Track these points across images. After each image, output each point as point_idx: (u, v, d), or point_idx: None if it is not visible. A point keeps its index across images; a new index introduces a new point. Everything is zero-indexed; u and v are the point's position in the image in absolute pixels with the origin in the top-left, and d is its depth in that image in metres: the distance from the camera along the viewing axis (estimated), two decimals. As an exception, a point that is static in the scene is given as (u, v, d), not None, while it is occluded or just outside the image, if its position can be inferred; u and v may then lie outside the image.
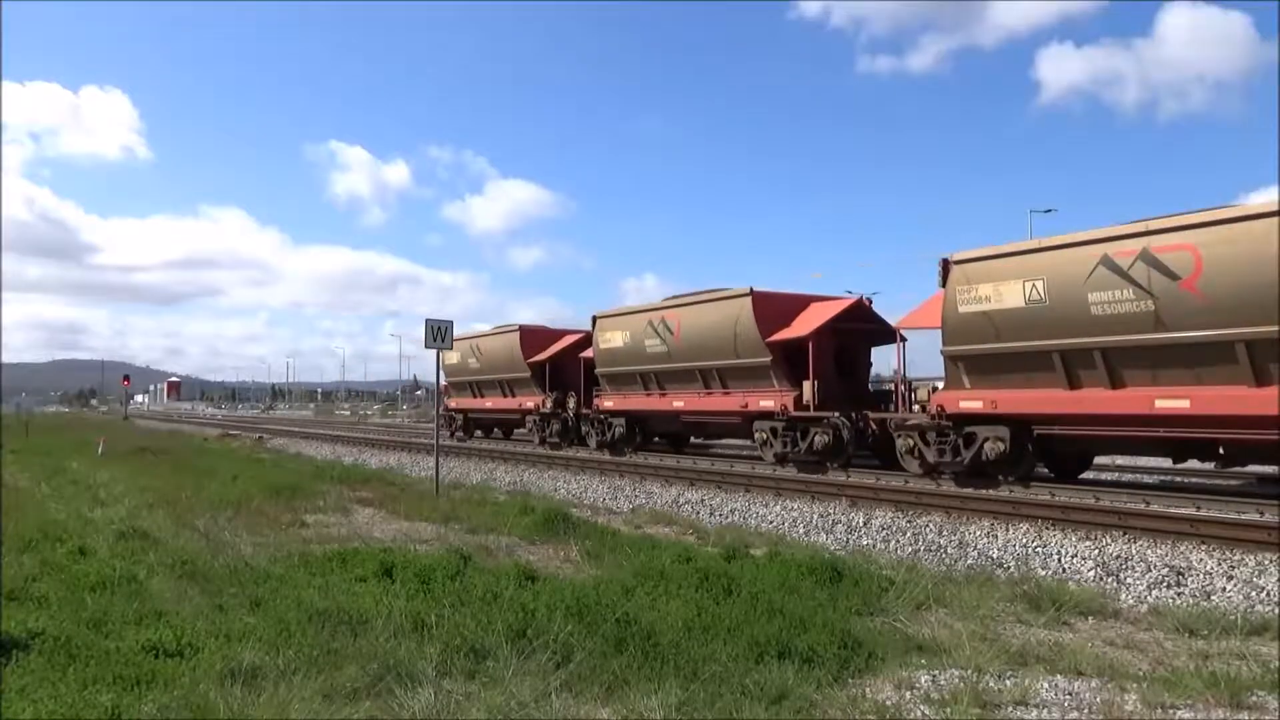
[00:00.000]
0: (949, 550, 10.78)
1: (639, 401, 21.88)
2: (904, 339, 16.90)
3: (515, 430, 30.43)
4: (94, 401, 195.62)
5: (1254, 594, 8.17)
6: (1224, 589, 8.38)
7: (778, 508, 13.72)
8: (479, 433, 32.12)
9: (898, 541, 11.40)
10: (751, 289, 18.23)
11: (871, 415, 16.77)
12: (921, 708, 4.97)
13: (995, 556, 10.23)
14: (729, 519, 13.66)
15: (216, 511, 12.20)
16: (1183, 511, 10.62)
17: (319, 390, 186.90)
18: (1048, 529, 10.71)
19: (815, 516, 12.92)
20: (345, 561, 8.44)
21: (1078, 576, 9.20)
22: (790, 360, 17.72)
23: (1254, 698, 5.12)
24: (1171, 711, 4.94)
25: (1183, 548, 9.42)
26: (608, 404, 22.82)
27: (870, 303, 18.53)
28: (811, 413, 16.91)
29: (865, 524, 12.22)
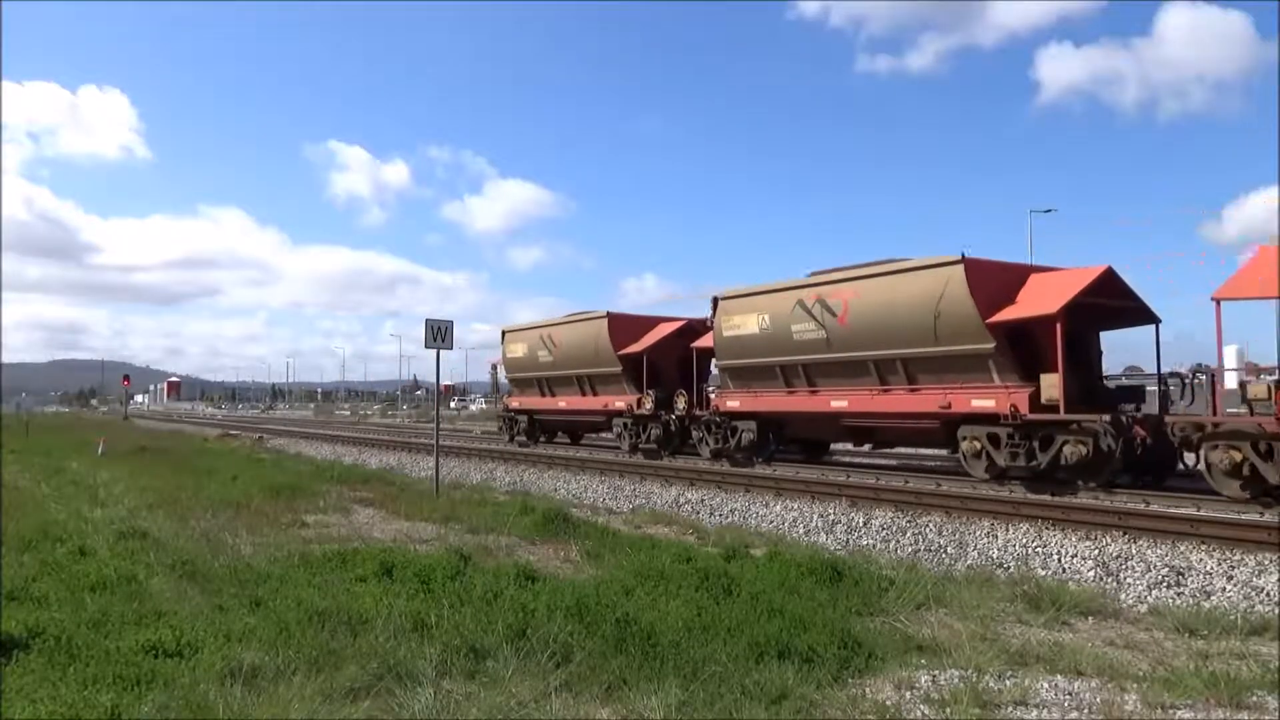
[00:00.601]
0: (949, 550, 10.78)
1: (777, 401, 18.12)
2: (1159, 320, 14.58)
3: (588, 434, 27.37)
4: (94, 401, 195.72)
5: (1254, 594, 8.17)
6: (1224, 589, 8.38)
7: (778, 508, 13.72)
8: (544, 437, 27.80)
9: (898, 541, 11.40)
10: (963, 255, 14.22)
11: (1135, 418, 13.05)
12: (921, 708, 4.97)
13: (995, 556, 10.23)
14: (729, 519, 13.66)
15: (217, 511, 12.20)
16: (1183, 511, 10.63)
17: (319, 390, 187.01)
18: (1048, 529, 10.71)
19: (815, 516, 12.93)
20: (345, 561, 8.44)
21: (1078, 576, 9.21)
22: (1018, 347, 13.97)
23: (1254, 698, 5.13)
24: (1171, 711, 4.94)
25: (1183, 548, 9.42)
26: (731, 404, 19.09)
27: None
28: (1060, 415, 12.95)
29: (865, 524, 12.22)
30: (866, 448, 18.72)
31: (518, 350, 27.22)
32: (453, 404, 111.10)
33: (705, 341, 20.58)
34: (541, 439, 27.66)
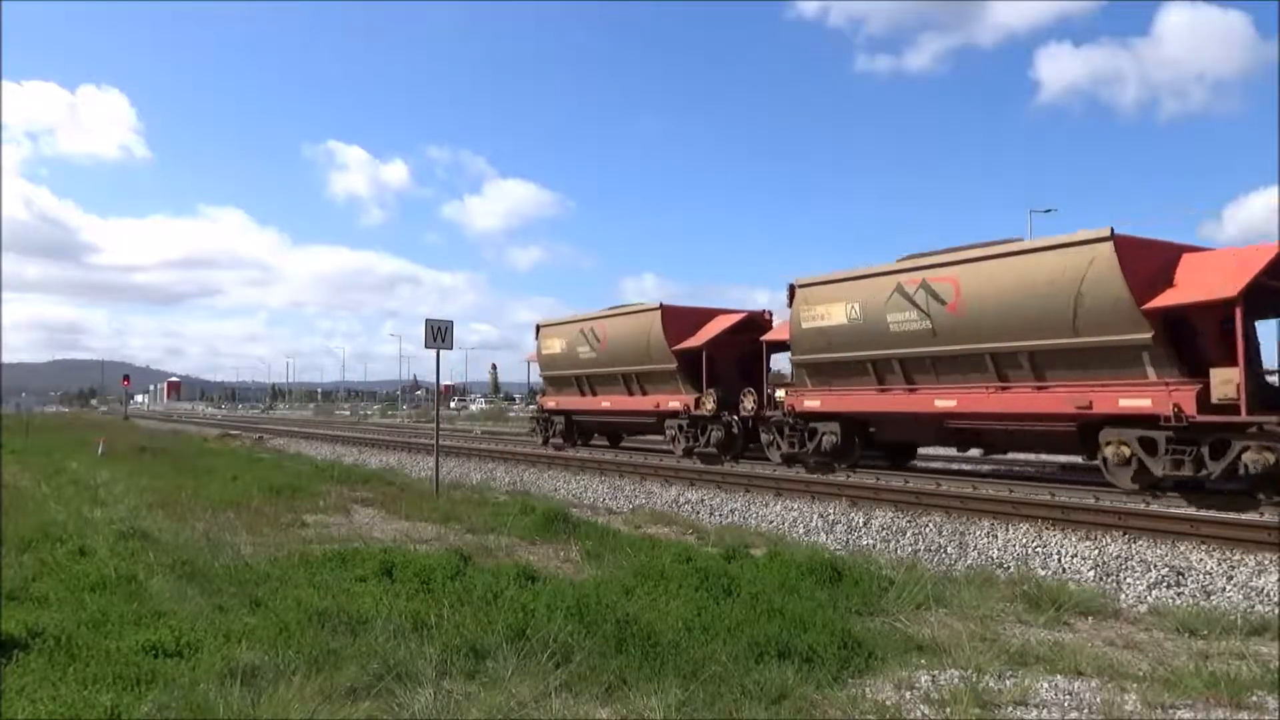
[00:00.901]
0: (949, 550, 10.78)
1: (866, 400, 16.13)
2: None
3: (632, 437, 25.47)
4: (94, 401, 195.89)
5: (1254, 594, 8.17)
6: (1224, 589, 8.39)
7: (778, 507, 13.73)
8: (580, 440, 25.50)
9: (898, 541, 11.40)
10: (1112, 231, 12.13)
11: None
12: (921, 708, 4.97)
13: (995, 556, 10.24)
14: (729, 519, 13.67)
15: (217, 511, 12.20)
16: (1182, 511, 10.63)
17: (319, 390, 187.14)
18: (1048, 529, 10.71)
19: (815, 516, 12.93)
20: (345, 561, 8.44)
21: (1078, 576, 9.21)
22: (1179, 338, 11.99)
23: (1254, 698, 5.13)
24: (1171, 711, 4.94)
25: (1182, 548, 9.42)
26: (810, 403, 17.06)
27: None
28: (1240, 417, 10.88)
29: (865, 524, 12.23)
30: (976, 453, 16.87)
31: (555, 346, 24.81)
32: (453, 404, 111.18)
33: (778, 334, 18.63)
34: (578, 441, 25.46)
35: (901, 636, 6.26)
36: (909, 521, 11.97)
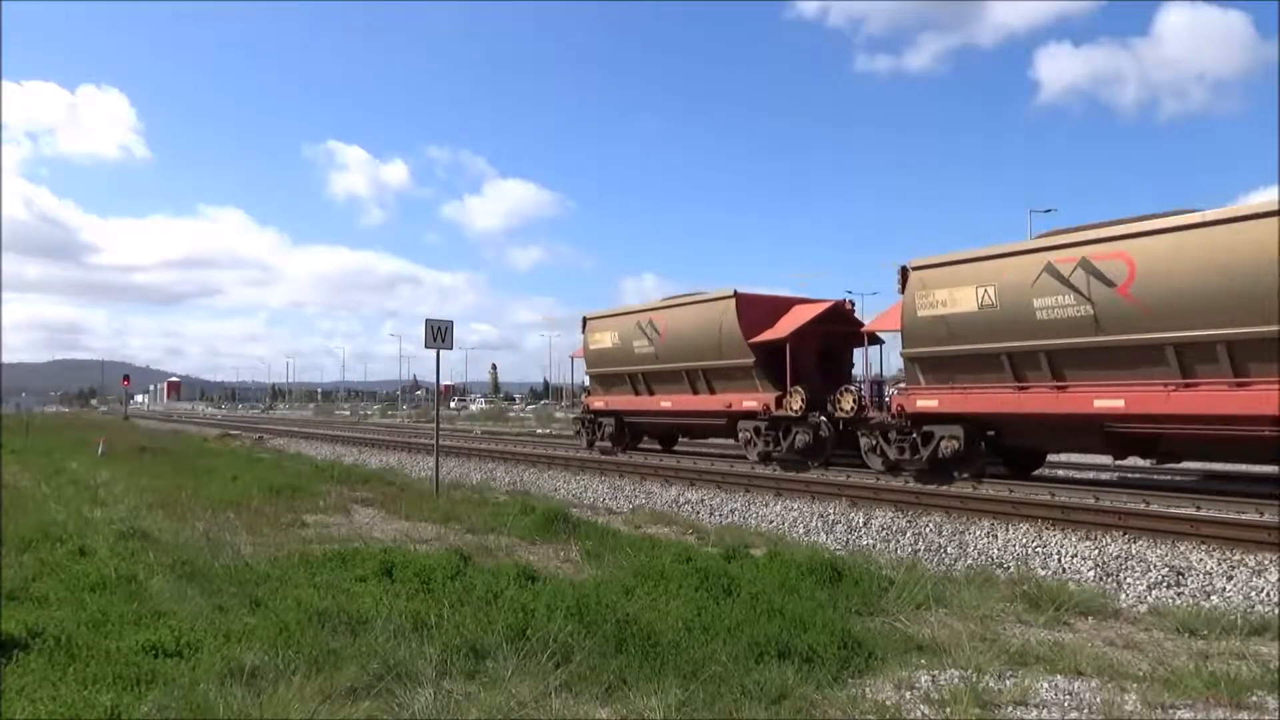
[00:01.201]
0: (949, 550, 10.78)
1: (998, 399, 13.93)
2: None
3: (695, 439, 23.16)
4: (94, 401, 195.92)
5: (1254, 594, 8.17)
6: (1224, 589, 8.39)
7: (778, 507, 13.73)
8: (624, 442, 22.87)
9: (898, 541, 11.40)
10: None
11: None
12: (921, 708, 4.97)
13: (995, 556, 10.23)
14: (729, 519, 13.66)
15: (217, 511, 12.20)
16: (1183, 511, 10.62)
17: (319, 390, 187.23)
18: (1048, 529, 10.71)
19: (815, 516, 12.93)
20: (345, 561, 8.44)
21: (1078, 576, 9.21)
22: None
23: (1254, 698, 5.13)
24: (1171, 711, 4.94)
25: (1183, 548, 9.42)
26: (925, 403, 14.97)
27: None
28: None
29: (865, 524, 12.23)
30: (1146, 461, 14.46)
31: (604, 340, 22.47)
32: (453, 404, 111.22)
33: (882, 323, 16.78)
34: (629, 445, 23.03)
35: (901, 636, 6.26)
36: (909, 521, 11.97)
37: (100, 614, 6.40)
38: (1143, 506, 11.12)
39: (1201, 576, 8.70)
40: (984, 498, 12.47)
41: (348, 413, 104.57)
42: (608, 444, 22.99)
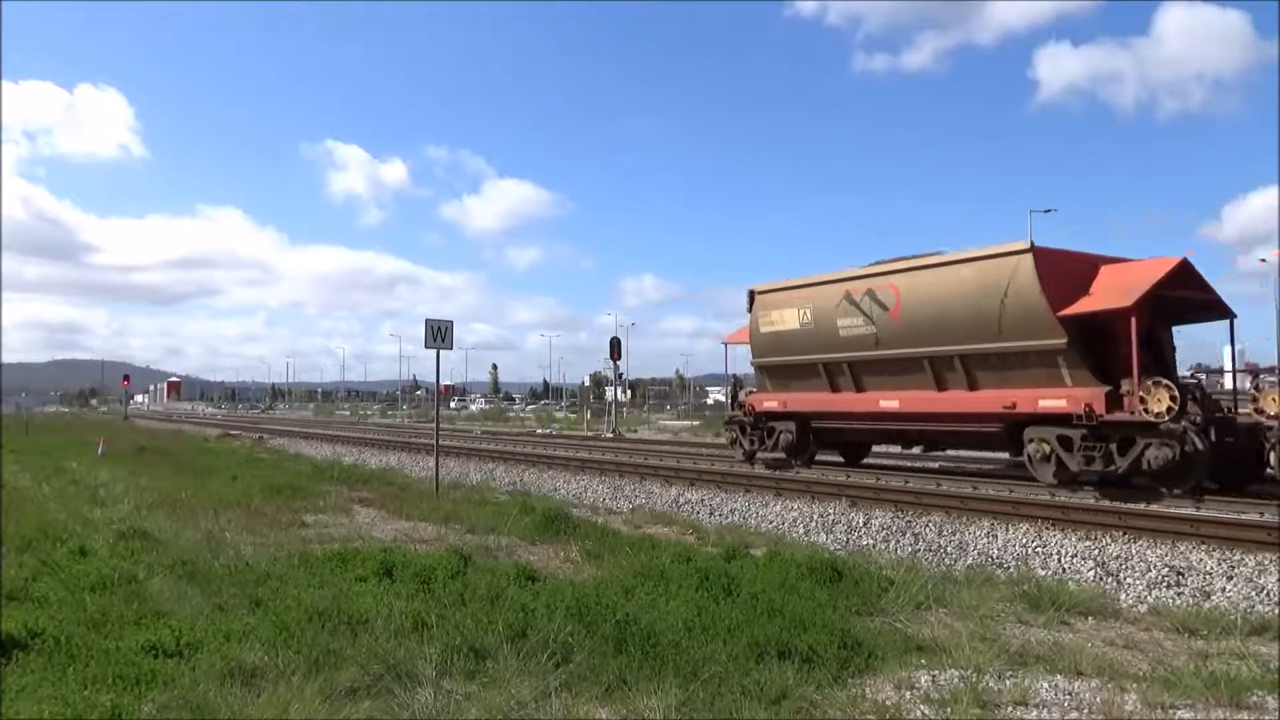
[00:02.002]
0: (949, 550, 10.78)
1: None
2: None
3: (931, 449, 17.24)
4: (94, 401, 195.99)
5: (1254, 594, 8.16)
6: (1224, 589, 8.38)
7: (778, 507, 13.72)
8: (806, 453, 17.95)
9: (898, 541, 11.40)
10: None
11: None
12: (921, 708, 4.97)
13: (995, 556, 10.23)
14: (729, 519, 13.66)
15: (218, 511, 12.20)
16: (1182, 511, 10.63)
17: (319, 390, 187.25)
18: (1048, 529, 10.71)
19: (815, 516, 12.92)
20: (345, 561, 8.44)
21: (1077, 576, 9.20)
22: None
23: (1254, 698, 5.13)
24: (1171, 711, 4.94)
25: (1182, 548, 9.42)
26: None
27: None
28: None
29: (865, 524, 12.22)
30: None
31: (785, 320, 17.58)
32: (452, 404, 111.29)
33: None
34: (813, 457, 18.14)
35: (901, 636, 6.26)
36: (908, 522, 11.97)
37: (100, 614, 6.40)
38: (1143, 506, 11.13)
39: (1201, 576, 8.69)
40: (984, 498, 12.47)
41: (348, 413, 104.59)
42: (780, 455, 17.92)
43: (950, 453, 18.17)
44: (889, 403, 15.89)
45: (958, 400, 14.79)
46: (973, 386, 14.64)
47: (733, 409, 19.85)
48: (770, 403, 18.35)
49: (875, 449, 19.32)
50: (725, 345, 20.60)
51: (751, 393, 19.20)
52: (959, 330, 14.52)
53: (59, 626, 5.99)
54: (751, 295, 18.73)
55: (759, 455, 18.59)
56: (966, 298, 14.38)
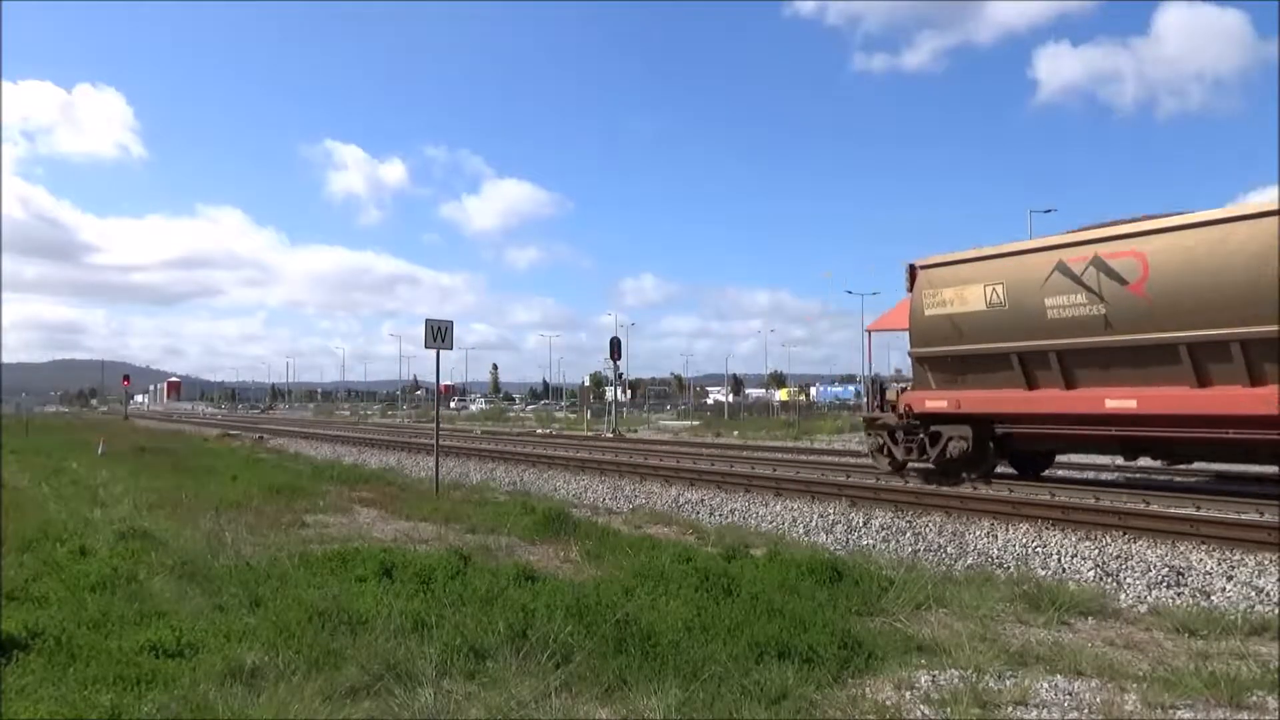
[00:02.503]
0: (949, 550, 10.78)
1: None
2: None
3: (1172, 459, 13.51)
4: (94, 401, 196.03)
5: (1254, 594, 8.17)
6: (1224, 589, 8.38)
7: (778, 507, 13.73)
8: (984, 464, 14.85)
9: (898, 542, 11.40)
10: None
11: None
12: (921, 708, 4.97)
13: (995, 556, 10.23)
14: (729, 519, 13.66)
15: (219, 510, 12.20)
16: (1183, 511, 10.63)
17: (319, 390, 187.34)
18: (1048, 529, 10.71)
19: (815, 516, 12.93)
20: (345, 561, 8.44)
21: (1078, 576, 9.21)
22: None
23: (1254, 698, 5.13)
24: (1171, 711, 4.94)
25: (1183, 548, 9.42)
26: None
27: None
28: None
29: (865, 524, 12.22)
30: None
31: (962, 300, 14.30)
32: (453, 404, 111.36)
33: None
34: (991, 469, 15.02)
35: (901, 637, 6.26)
36: (908, 522, 11.97)
37: (100, 614, 6.40)
38: (1143, 506, 11.13)
39: (1201, 576, 8.70)
40: (984, 498, 12.48)
41: (348, 413, 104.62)
42: (946, 466, 14.74)
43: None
44: (1121, 402, 12.45)
45: (1231, 399, 11.39)
46: (1257, 381, 11.21)
47: (873, 410, 16.50)
48: (936, 402, 14.83)
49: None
50: (868, 333, 18.56)
51: (904, 390, 15.86)
52: (1242, 308, 11.19)
53: (59, 626, 5.99)
54: (913, 271, 15.35)
55: (912, 464, 15.52)
56: (1256, 266, 11.07)
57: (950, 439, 14.51)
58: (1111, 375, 12.66)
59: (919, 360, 15.34)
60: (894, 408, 15.51)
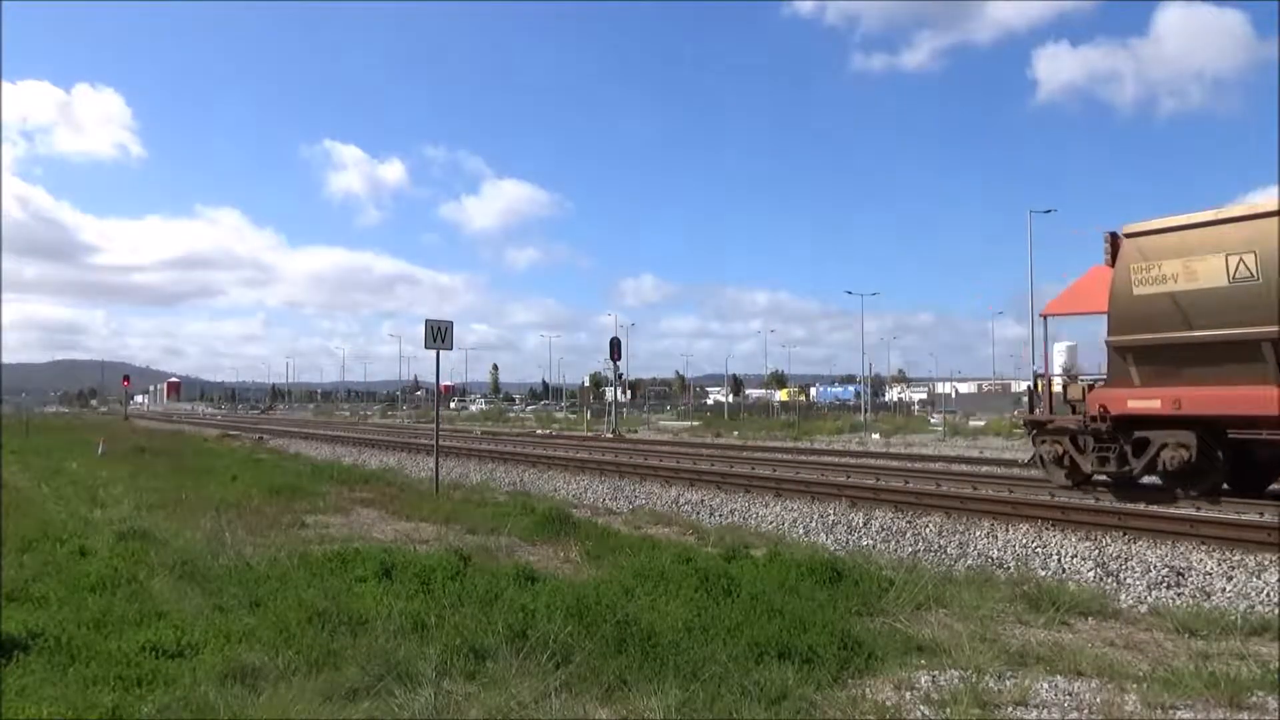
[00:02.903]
0: (949, 550, 10.78)
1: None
2: None
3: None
4: (93, 402, 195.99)
5: (1254, 594, 8.17)
6: (1224, 589, 8.39)
7: (777, 508, 13.73)
8: (1212, 480, 12.29)
9: (897, 542, 11.40)
10: None
11: None
12: (921, 708, 4.97)
13: (995, 556, 10.24)
14: (729, 519, 13.66)
15: (219, 511, 12.20)
16: (1182, 511, 10.64)
17: (319, 391, 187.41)
18: (1048, 529, 10.72)
19: (815, 517, 12.93)
20: (345, 562, 8.44)
21: (1078, 576, 9.21)
22: None
23: (1254, 698, 5.13)
24: (1171, 711, 4.94)
25: (1182, 548, 9.43)
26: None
27: None
28: None
29: (865, 524, 12.23)
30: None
31: (1192, 274, 11.93)
32: (453, 404, 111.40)
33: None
34: (1220, 487, 12.45)
35: (901, 637, 6.26)
36: (908, 522, 11.97)
37: (100, 614, 6.40)
38: (1143, 507, 11.15)
39: (1201, 576, 8.70)
40: (983, 498, 12.49)
41: (348, 413, 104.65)
42: (1158, 480, 12.89)
43: (949, 453, 17.43)
44: None
45: None
46: None
47: (1036, 411, 14.41)
48: (1144, 402, 12.45)
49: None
50: (1044, 318, 15.44)
51: (1094, 386, 13.54)
52: None
53: (59, 626, 5.99)
54: (1115, 240, 12.99)
55: (1098, 475, 13.40)
56: None
57: (1164, 447, 12.14)
58: None
59: (1121, 350, 12.70)
60: (1073, 408, 13.37)
